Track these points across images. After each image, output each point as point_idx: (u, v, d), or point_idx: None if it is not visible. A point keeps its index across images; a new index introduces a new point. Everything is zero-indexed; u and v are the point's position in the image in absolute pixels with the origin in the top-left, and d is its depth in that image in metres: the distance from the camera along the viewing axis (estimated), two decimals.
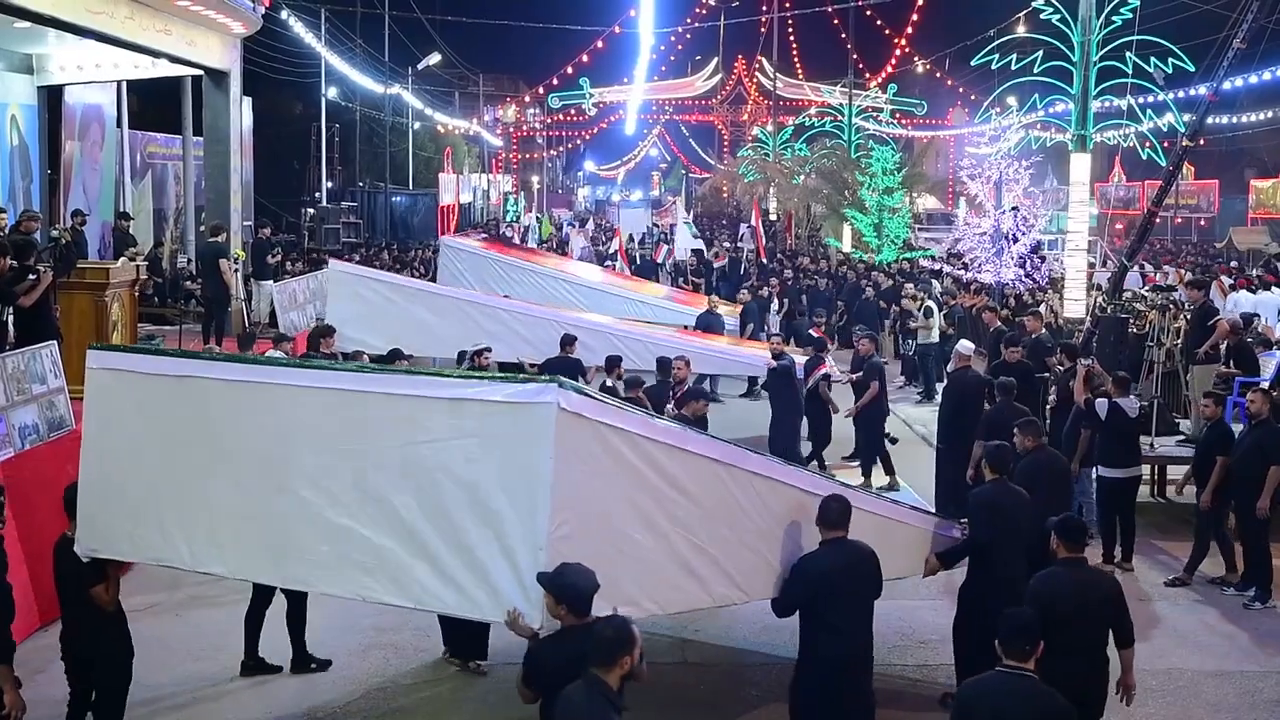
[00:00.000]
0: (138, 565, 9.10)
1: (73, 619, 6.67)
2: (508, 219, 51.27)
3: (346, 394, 6.00)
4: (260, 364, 6.83)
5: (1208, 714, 8.01)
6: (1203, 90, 17.81)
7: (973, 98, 49.08)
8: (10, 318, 11.57)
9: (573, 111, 61.43)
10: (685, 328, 17.83)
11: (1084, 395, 11.21)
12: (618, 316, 17.16)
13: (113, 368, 6.58)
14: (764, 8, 58.55)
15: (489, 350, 12.46)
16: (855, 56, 47.37)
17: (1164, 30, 20.67)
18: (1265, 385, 11.55)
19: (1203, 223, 47.95)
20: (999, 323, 16.57)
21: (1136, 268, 22.25)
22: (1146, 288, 18.13)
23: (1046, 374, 12.84)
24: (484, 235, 30.80)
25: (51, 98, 20.63)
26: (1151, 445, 12.21)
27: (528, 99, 70.00)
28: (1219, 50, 15.39)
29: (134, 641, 6.87)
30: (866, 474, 13.56)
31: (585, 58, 57.35)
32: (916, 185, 35.22)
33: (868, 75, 55.53)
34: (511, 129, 71.12)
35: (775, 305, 21.57)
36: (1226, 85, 16.89)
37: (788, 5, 55.78)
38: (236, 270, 17.60)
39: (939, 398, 15.00)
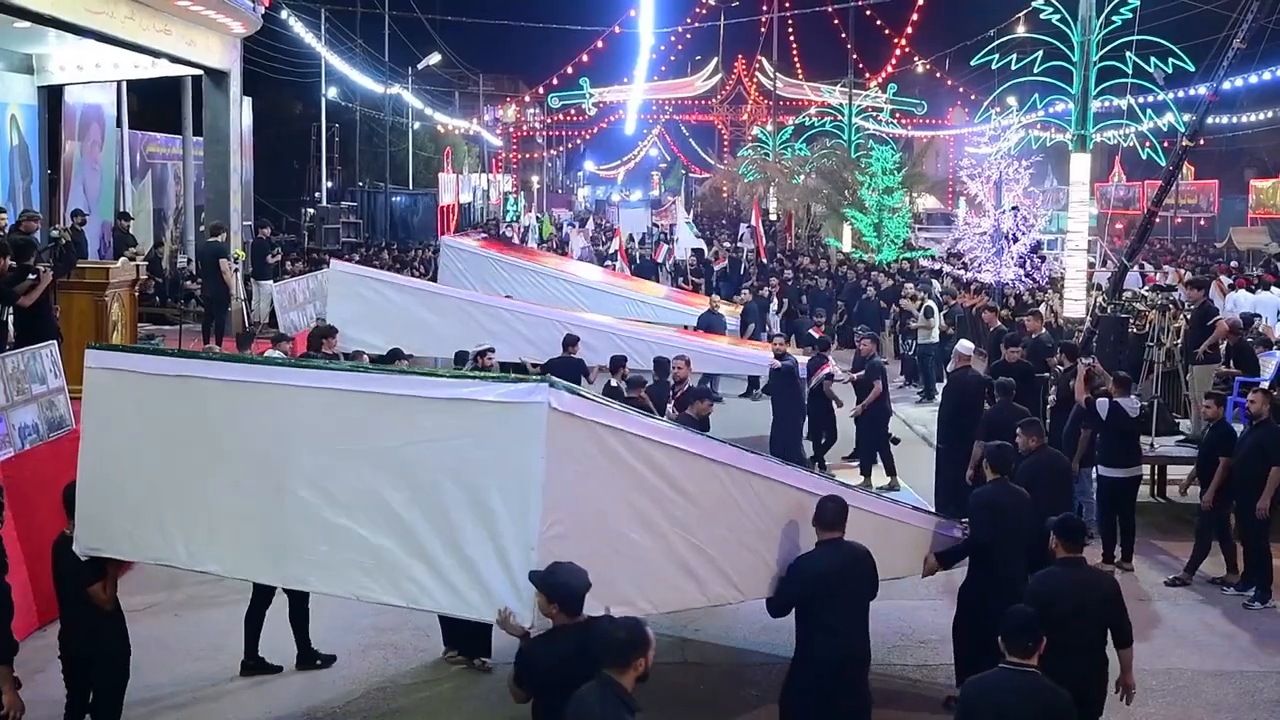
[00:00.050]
0: (137, 565, 9.11)
1: (71, 618, 6.67)
2: (508, 219, 51.27)
3: (342, 394, 6.02)
4: (258, 364, 6.85)
5: (1208, 714, 8.01)
6: (1203, 90, 17.81)
7: (973, 98, 49.08)
8: (10, 318, 11.57)
9: (573, 111, 61.42)
10: (685, 328, 17.83)
11: (1084, 395, 11.21)
12: (618, 316, 17.16)
13: (111, 367, 6.59)
14: (764, 8, 58.60)
15: (492, 351, 12.47)
16: (855, 56, 47.41)
17: (1164, 30, 20.67)
18: (1265, 385, 11.54)
19: (1203, 223, 47.94)
20: (999, 323, 16.57)
21: (1136, 268, 22.24)
22: (1146, 288, 18.13)
23: (1046, 374, 12.84)
24: (484, 235, 30.80)
25: (51, 98, 20.63)
26: (1151, 445, 12.21)
27: (528, 99, 70.01)
28: (1219, 50, 15.39)
29: (134, 641, 6.88)
30: (866, 473, 13.57)
31: (585, 58, 57.38)
32: (916, 185, 35.24)
33: (868, 75, 55.53)
34: (511, 129, 71.12)
35: (775, 305, 21.58)
36: (1226, 85, 16.89)
37: (788, 5, 55.82)
38: (236, 270, 17.60)
39: (939, 398, 15.00)
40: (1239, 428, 10.80)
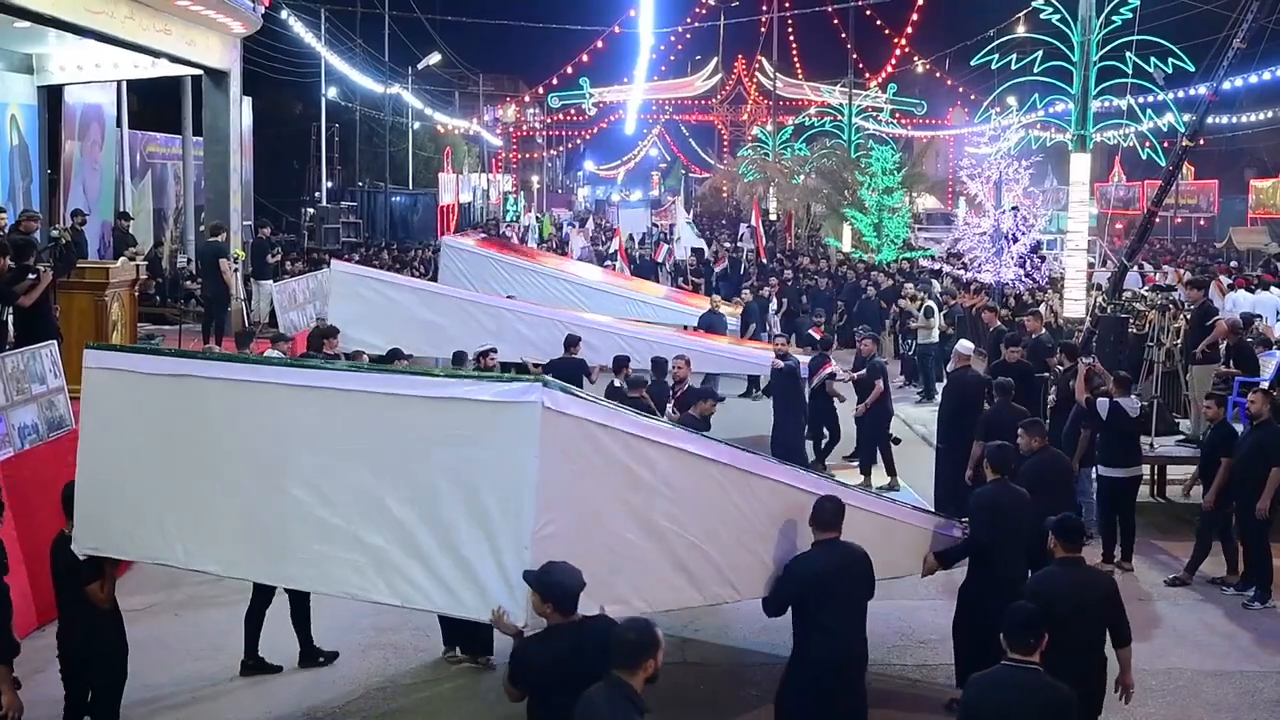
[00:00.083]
0: (137, 565, 9.11)
1: (69, 618, 6.68)
2: (507, 219, 51.28)
3: (338, 393, 6.03)
4: (255, 364, 6.87)
5: (1208, 714, 8.01)
6: (1203, 90, 17.81)
7: (973, 98, 49.07)
8: (10, 317, 11.57)
9: (573, 111, 61.43)
10: (686, 327, 17.83)
11: (1084, 394, 11.21)
12: (618, 316, 17.16)
13: (110, 367, 6.61)
14: (764, 8, 58.57)
15: (494, 351, 12.45)
16: (855, 56, 47.40)
17: (1164, 30, 20.65)
18: (1265, 385, 11.54)
19: (1202, 223, 47.93)
20: (999, 323, 16.56)
21: (1136, 268, 22.24)
22: (1146, 287, 18.13)
23: (1046, 374, 12.84)
24: (483, 235, 30.79)
25: (51, 97, 20.63)
26: (1151, 445, 12.21)
27: (528, 99, 69.99)
28: (1219, 50, 15.38)
29: (134, 641, 6.88)
30: (866, 473, 13.58)
31: (585, 57, 57.37)
32: (916, 185, 35.23)
33: (868, 75, 55.51)
34: (511, 129, 71.11)
35: (774, 305, 21.59)
36: (1226, 85, 16.88)
37: (788, 5, 55.79)
38: (236, 270, 17.61)
39: (939, 398, 15.00)
40: (1240, 428, 10.81)
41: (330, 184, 42.82)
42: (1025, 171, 23.89)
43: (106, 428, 6.56)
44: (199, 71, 19.54)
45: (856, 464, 13.88)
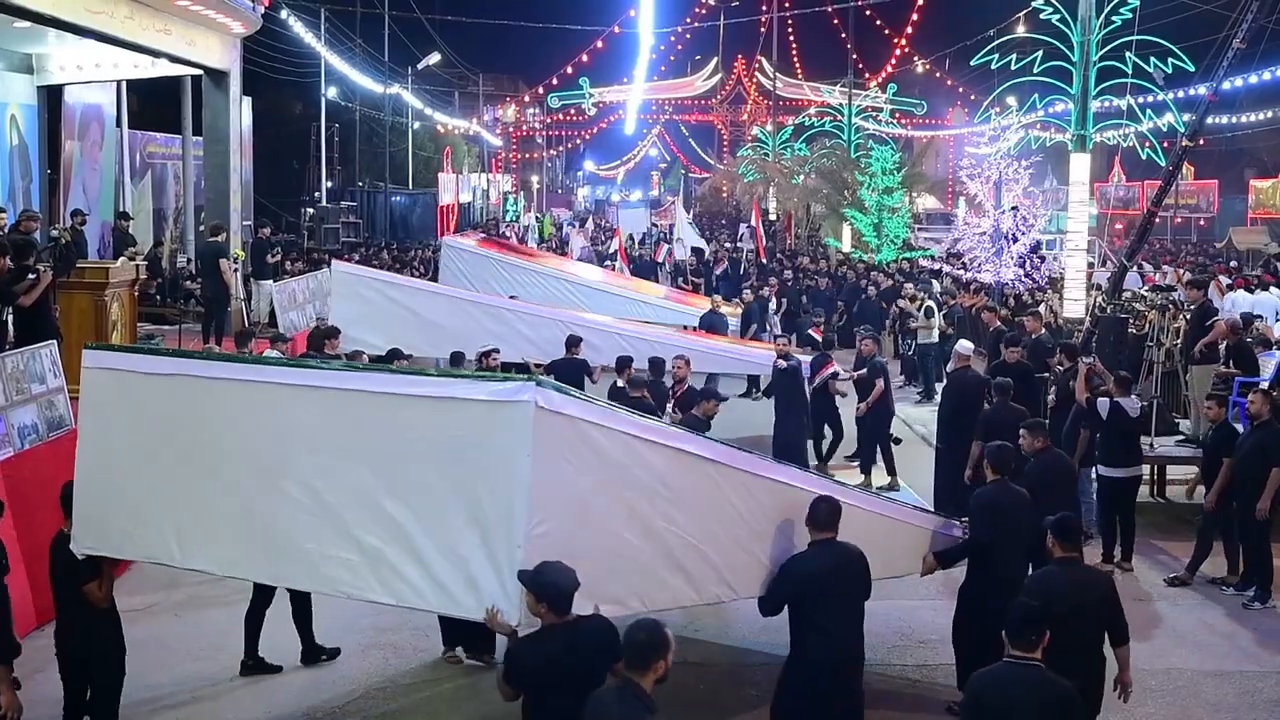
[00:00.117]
0: (136, 565, 9.11)
1: (68, 618, 6.69)
2: (507, 219, 51.29)
3: (333, 393, 6.05)
4: (251, 363, 6.88)
5: (1207, 714, 8.01)
6: (1203, 90, 17.81)
7: (972, 98, 49.07)
8: (10, 317, 11.57)
9: (572, 111, 61.44)
10: (686, 328, 17.83)
11: (1084, 394, 11.21)
12: (618, 317, 17.16)
13: (108, 367, 6.62)
14: (764, 8, 58.60)
15: (497, 351, 12.45)
16: (855, 56, 47.41)
17: (1164, 30, 20.65)
18: (1265, 386, 11.54)
19: (1202, 223, 47.94)
20: (998, 323, 16.56)
21: (1136, 268, 22.23)
22: (1146, 288, 18.13)
23: (1046, 374, 12.84)
24: (483, 235, 30.80)
25: (51, 97, 20.62)
26: (1151, 445, 12.21)
27: (527, 99, 70.00)
28: (1219, 50, 15.39)
29: (133, 641, 6.89)
30: (866, 472, 13.58)
31: (585, 57, 57.41)
32: (916, 185, 35.22)
33: (867, 75, 55.52)
34: (511, 129, 71.12)
35: (774, 305, 21.58)
36: (1226, 85, 16.88)
37: (788, 5, 55.81)
38: (236, 270, 17.62)
39: (939, 398, 15.00)
40: (1241, 428, 10.80)
41: (330, 184, 42.82)
42: (1025, 171, 23.87)
43: (105, 427, 6.57)
44: (199, 71, 19.54)
45: (858, 464, 13.87)
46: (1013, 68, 21.09)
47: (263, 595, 8.18)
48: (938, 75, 57.67)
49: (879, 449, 13.76)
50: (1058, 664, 5.50)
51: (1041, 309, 18.21)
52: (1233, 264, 29.64)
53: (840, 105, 42.87)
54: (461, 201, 51.34)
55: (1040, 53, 19.62)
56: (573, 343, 13.34)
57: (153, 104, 30.62)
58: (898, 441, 14.47)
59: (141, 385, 6.50)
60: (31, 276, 11.09)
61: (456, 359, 12.46)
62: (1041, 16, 19.61)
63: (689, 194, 68.81)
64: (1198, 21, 24.75)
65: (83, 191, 22.14)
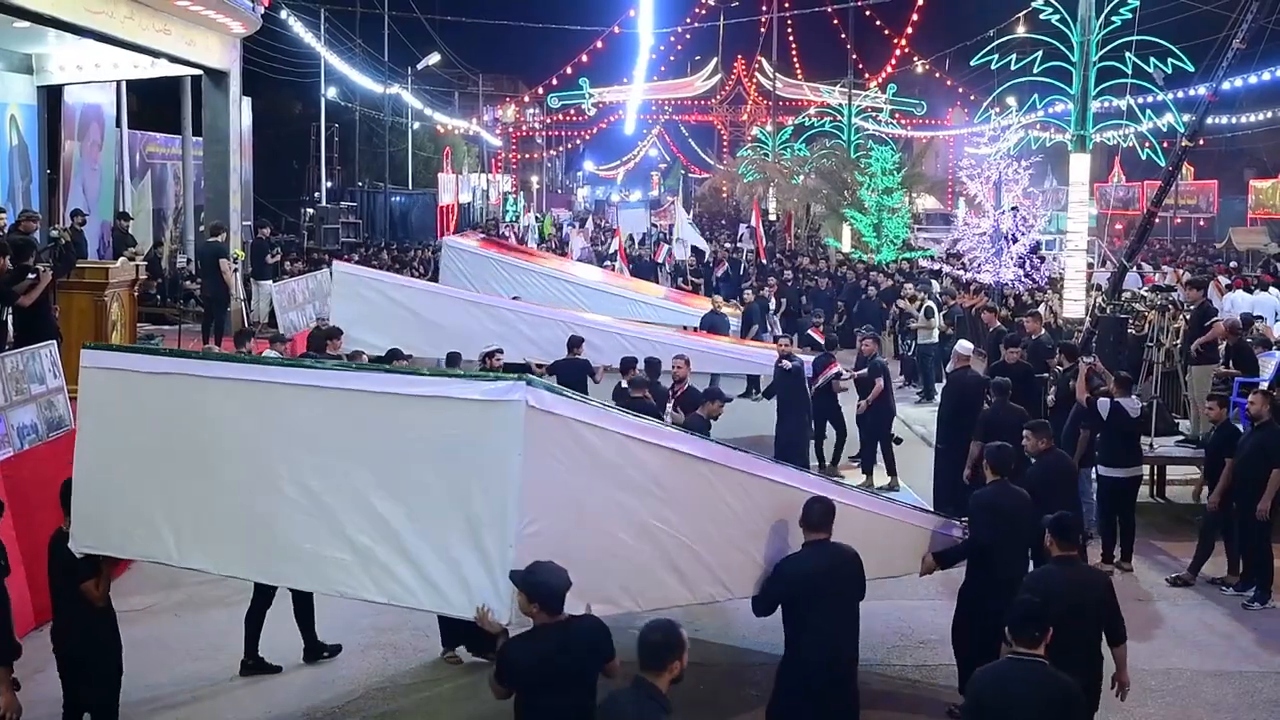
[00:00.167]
0: (136, 566, 9.12)
1: (66, 616, 6.68)
2: (507, 219, 51.30)
3: (327, 392, 6.06)
4: (247, 363, 6.89)
5: (1207, 714, 8.01)
6: (1202, 90, 17.81)
7: (972, 98, 49.10)
8: (10, 317, 11.57)
9: (572, 111, 61.46)
10: (686, 328, 17.82)
11: (1084, 394, 11.21)
12: (619, 317, 17.16)
13: (106, 366, 6.63)
14: (764, 8, 58.63)
15: (500, 352, 12.43)
16: (855, 56, 47.43)
17: (1164, 30, 20.67)
18: (1264, 386, 11.54)
19: (1202, 223, 47.96)
20: (998, 323, 16.57)
21: (1135, 268, 22.24)
22: (1145, 288, 18.13)
23: (1046, 374, 12.84)
24: (483, 235, 30.81)
25: (51, 98, 20.63)
26: (1151, 445, 12.21)
27: (527, 99, 70.00)
28: (1219, 50, 15.39)
29: (133, 641, 6.90)
30: (868, 472, 13.58)
31: (585, 58, 57.42)
32: (916, 185, 35.22)
33: (867, 75, 55.50)
34: (511, 129, 71.11)
35: (773, 305, 21.58)
36: (1226, 85, 16.88)
37: (787, 5, 55.87)
38: (236, 270, 17.61)
39: (938, 398, 15.00)
40: (1244, 428, 10.80)
41: (330, 184, 42.82)
42: (1025, 172, 23.87)
43: (103, 427, 6.58)
44: (199, 71, 19.54)
45: (858, 464, 13.88)
46: (1012, 68, 21.10)
47: (263, 595, 8.18)
48: (937, 75, 57.70)
49: (880, 448, 13.76)
50: (1055, 662, 5.51)
51: (1041, 309, 18.21)
52: (1232, 264, 29.64)
53: (840, 105, 42.88)
54: (461, 202, 51.37)
55: (1040, 53, 19.62)
56: (575, 343, 13.34)
57: (153, 104, 30.63)
58: (898, 441, 14.47)
59: (140, 385, 6.51)
60: (31, 276, 11.09)
61: (453, 359, 12.46)
62: (1041, 17, 19.62)
63: (689, 194, 68.88)
64: (1198, 21, 24.77)
65: (82, 191, 22.15)
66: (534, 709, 5.27)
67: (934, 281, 24.98)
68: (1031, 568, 7.38)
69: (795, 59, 65.85)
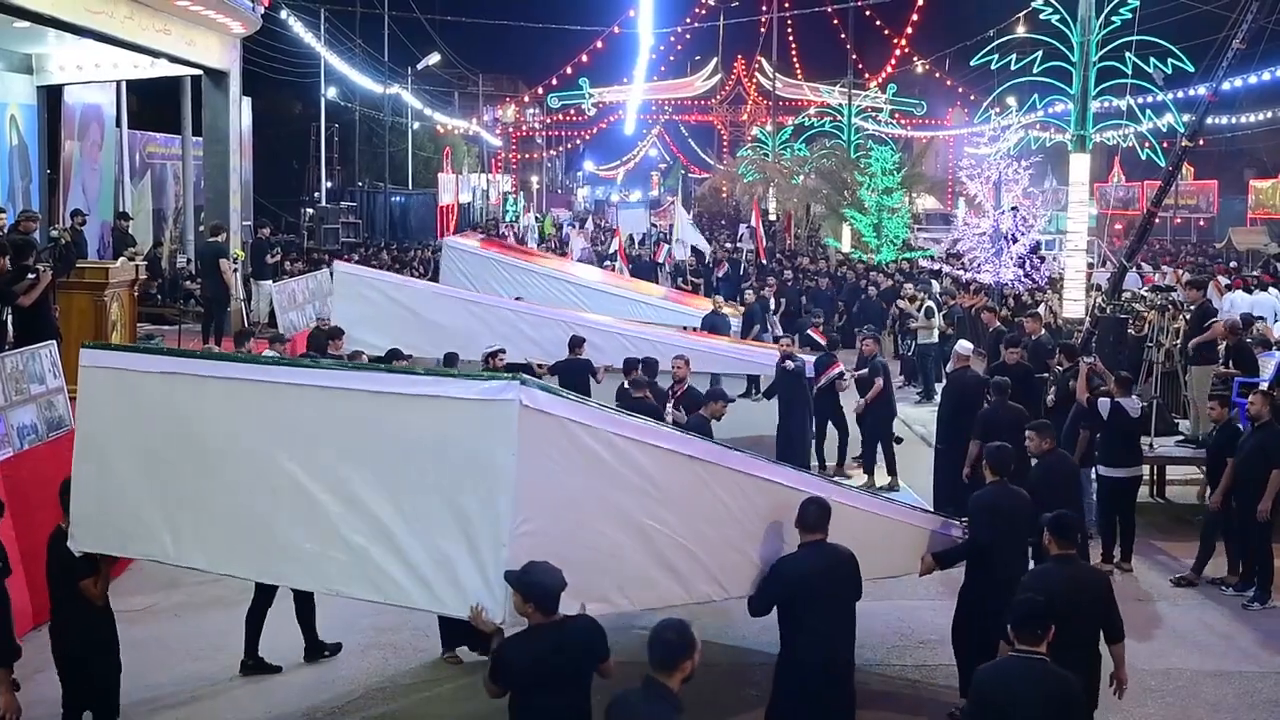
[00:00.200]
0: (136, 566, 9.12)
1: (64, 615, 6.69)
2: (507, 219, 51.31)
3: (323, 391, 6.07)
4: (245, 362, 6.90)
5: (1207, 714, 8.01)
6: (1202, 90, 17.81)
7: (972, 98, 49.10)
8: (10, 317, 11.57)
9: (572, 111, 61.46)
10: (686, 328, 17.82)
11: (1084, 394, 11.21)
12: (619, 317, 17.16)
13: (105, 366, 6.65)
14: (764, 8, 58.65)
15: (503, 352, 12.43)
16: (855, 56, 47.44)
17: (1164, 30, 20.67)
18: (1264, 386, 11.54)
19: (1202, 223, 47.97)
20: (998, 323, 16.57)
21: (1135, 268, 22.24)
22: (1145, 288, 18.14)
23: (1046, 375, 12.84)
24: (483, 235, 30.82)
25: (51, 98, 20.63)
26: (1151, 445, 12.21)
27: (527, 99, 70.01)
28: (1219, 50, 15.38)
29: (134, 641, 6.92)
30: (869, 472, 13.58)
31: (585, 58, 57.44)
32: (916, 185, 35.23)
33: (867, 75, 55.51)
34: (511, 129, 71.11)
35: (772, 305, 21.58)
36: (1226, 85, 16.87)
37: (787, 5, 55.88)
38: (236, 270, 17.62)
39: (938, 398, 15.01)
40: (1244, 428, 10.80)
41: (330, 184, 42.83)
42: (1025, 172, 23.87)
43: (102, 426, 6.59)
44: (199, 71, 19.55)
45: (860, 464, 13.89)
46: (1012, 68, 21.11)
47: (264, 595, 8.18)
48: (937, 75, 57.70)
49: (880, 448, 13.76)
50: (1053, 660, 5.52)
51: (1041, 309, 18.21)
52: (1232, 264, 29.65)
53: (840, 105, 42.89)
54: (461, 202, 51.37)
55: (1040, 53, 19.63)
56: (576, 343, 13.34)
57: (152, 104, 30.63)
58: (899, 440, 14.47)
59: (138, 384, 6.52)
60: (31, 276, 11.09)
61: (450, 360, 12.45)
62: (1041, 17, 19.63)
63: (688, 194, 68.91)
64: (1198, 21, 24.77)
65: (82, 191, 22.15)
66: (528, 709, 5.27)
67: (934, 281, 24.98)
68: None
69: (795, 59, 65.89)
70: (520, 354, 14.17)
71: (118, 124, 23.59)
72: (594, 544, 5.88)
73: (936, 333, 18.94)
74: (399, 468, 5.82)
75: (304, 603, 8.36)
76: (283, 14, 30.40)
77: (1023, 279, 22.74)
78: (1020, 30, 28.67)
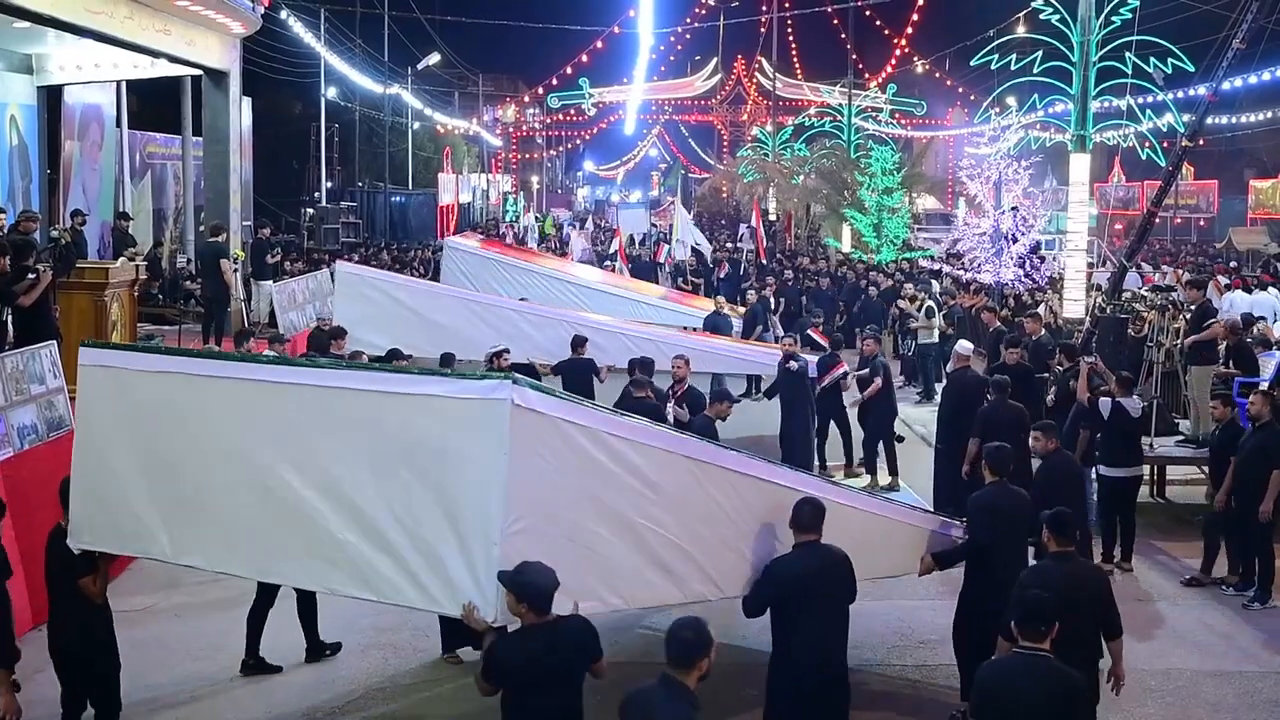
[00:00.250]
0: (136, 566, 9.12)
1: (63, 613, 6.70)
2: (507, 219, 51.31)
3: (318, 390, 6.09)
4: (243, 361, 6.91)
5: (1207, 714, 8.01)
6: (1202, 90, 17.81)
7: (972, 98, 49.12)
8: (10, 318, 11.57)
9: (572, 111, 61.48)
10: (687, 328, 17.82)
11: (1085, 394, 11.21)
12: (620, 317, 17.15)
13: (104, 364, 6.65)
14: (764, 8, 58.67)
15: (507, 351, 12.41)
16: (855, 56, 47.45)
17: (1164, 30, 20.67)
18: (1264, 386, 11.54)
19: (1202, 223, 47.97)
20: (998, 323, 16.57)
21: (1135, 268, 22.23)
22: (1145, 288, 18.13)
23: (1047, 375, 12.84)
24: (483, 235, 30.81)
25: (51, 98, 20.63)
26: (1151, 445, 12.21)
27: (527, 99, 70.02)
28: (1219, 50, 15.38)
29: (134, 641, 6.93)
30: (871, 471, 13.58)
31: (585, 58, 57.47)
32: (916, 185, 35.23)
33: (867, 75, 55.53)
34: (511, 129, 71.12)
35: (772, 305, 21.57)
36: (1226, 85, 16.87)
37: (787, 5, 55.90)
38: (236, 270, 17.62)
39: (938, 398, 15.01)
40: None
41: (330, 184, 42.84)
42: (1025, 172, 23.89)
43: (101, 424, 6.60)
44: (199, 71, 19.54)
45: (862, 465, 13.89)
46: (1012, 68, 21.11)
47: (266, 594, 8.18)
48: (937, 75, 57.69)
49: (882, 448, 13.76)
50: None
51: (1041, 309, 18.21)
52: (1232, 264, 29.65)
53: (840, 105, 42.89)
54: (461, 202, 51.37)
55: (1040, 53, 19.63)
56: (578, 343, 13.34)
57: (152, 104, 30.64)
58: (900, 440, 14.47)
59: (137, 383, 6.53)
60: (31, 276, 11.10)
61: (446, 360, 12.45)
62: (1041, 17, 19.63)
63: (688, 194, 68.89)
64: (1198, 21, 24.77)
65: (82, 192, 22.15)
66: (521, 709, 5.27)
67: (934, 281, 24.98)
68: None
69: (795, 59, 65.91)
70: (523, 354, 14.17)
71: (118, 124, 23.59)
72: (587, 543, 5.88)
73: (937, 333, 18.94)
74: (392, 466, 5.83)
75: (306, 603, 8.36)
76: (283, 14, 30.41)
77: (1023, 279, 22.75)
78: (1020, 30, 28.67)
